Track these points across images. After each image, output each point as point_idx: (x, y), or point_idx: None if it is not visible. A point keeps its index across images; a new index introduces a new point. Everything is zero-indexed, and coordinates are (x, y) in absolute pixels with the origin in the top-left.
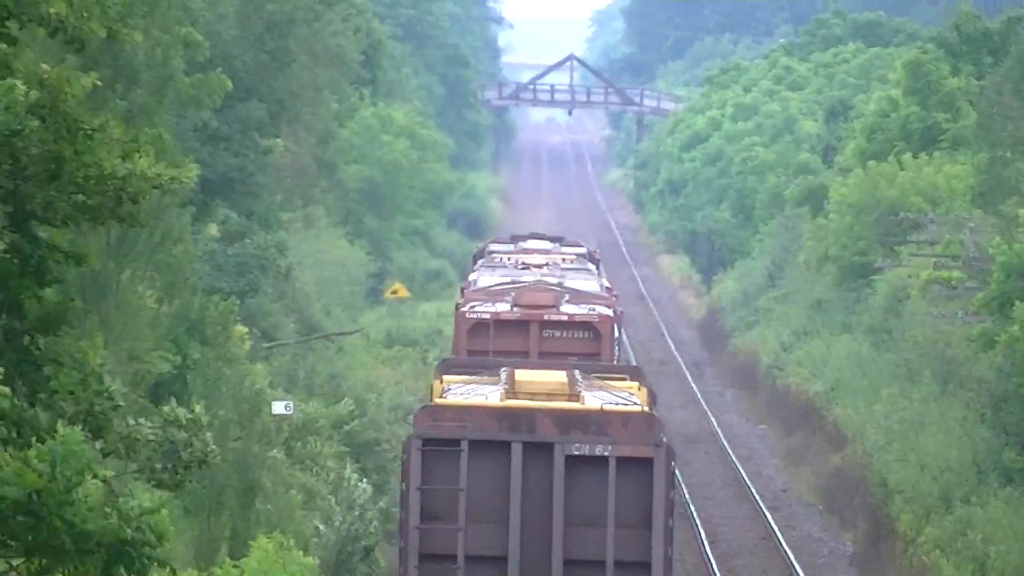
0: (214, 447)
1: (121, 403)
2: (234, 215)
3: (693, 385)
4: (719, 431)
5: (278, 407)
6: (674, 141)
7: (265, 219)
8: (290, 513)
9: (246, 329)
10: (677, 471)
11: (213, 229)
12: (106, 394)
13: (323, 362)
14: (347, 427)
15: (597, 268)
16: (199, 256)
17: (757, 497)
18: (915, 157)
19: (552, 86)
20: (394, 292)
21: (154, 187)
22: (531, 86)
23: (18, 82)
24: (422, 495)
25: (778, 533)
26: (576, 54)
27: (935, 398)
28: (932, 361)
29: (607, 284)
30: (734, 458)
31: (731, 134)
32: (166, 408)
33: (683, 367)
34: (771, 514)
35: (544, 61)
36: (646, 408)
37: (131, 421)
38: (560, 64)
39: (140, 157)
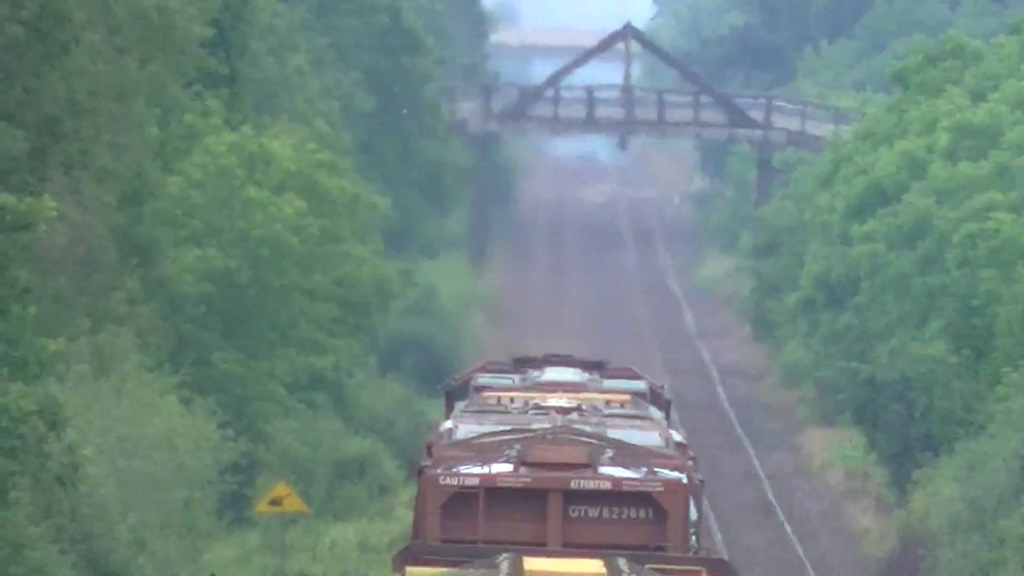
0: None
1: None
2: None
3: None
4: None
5: None
6: (833, 199)
7: (16, 355)
8: None
9: None
10: None
11: None
12: None
13: None
14: None
15: (666, 416)
16: None
17: None
18: None
19: (590, 89)
20: (274, 503)
21: None
22: (550, 92)
23: None
24: None
25: None
26: (636, 26)
27: None
28: None
29: (680, 439)
30: None
31: (946, 186)
32: None
33: None
34: None
35: (575, 41)
36: None
37: None
38: (607, 46)
39: None
